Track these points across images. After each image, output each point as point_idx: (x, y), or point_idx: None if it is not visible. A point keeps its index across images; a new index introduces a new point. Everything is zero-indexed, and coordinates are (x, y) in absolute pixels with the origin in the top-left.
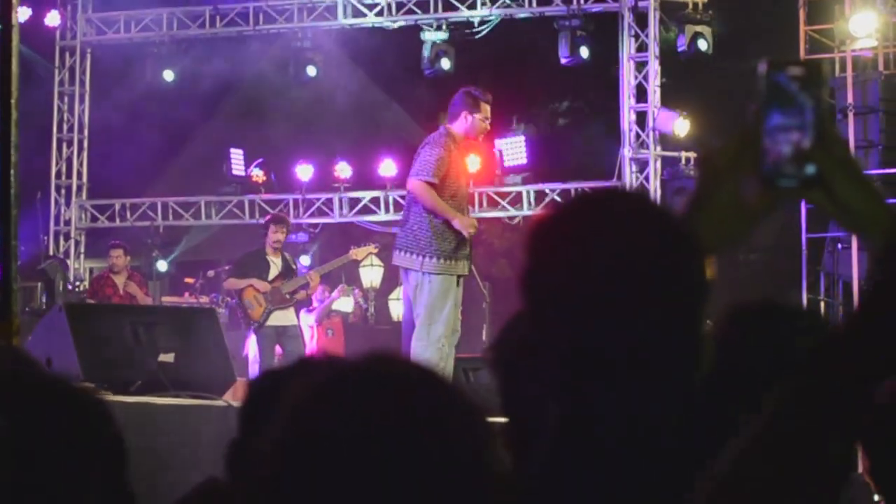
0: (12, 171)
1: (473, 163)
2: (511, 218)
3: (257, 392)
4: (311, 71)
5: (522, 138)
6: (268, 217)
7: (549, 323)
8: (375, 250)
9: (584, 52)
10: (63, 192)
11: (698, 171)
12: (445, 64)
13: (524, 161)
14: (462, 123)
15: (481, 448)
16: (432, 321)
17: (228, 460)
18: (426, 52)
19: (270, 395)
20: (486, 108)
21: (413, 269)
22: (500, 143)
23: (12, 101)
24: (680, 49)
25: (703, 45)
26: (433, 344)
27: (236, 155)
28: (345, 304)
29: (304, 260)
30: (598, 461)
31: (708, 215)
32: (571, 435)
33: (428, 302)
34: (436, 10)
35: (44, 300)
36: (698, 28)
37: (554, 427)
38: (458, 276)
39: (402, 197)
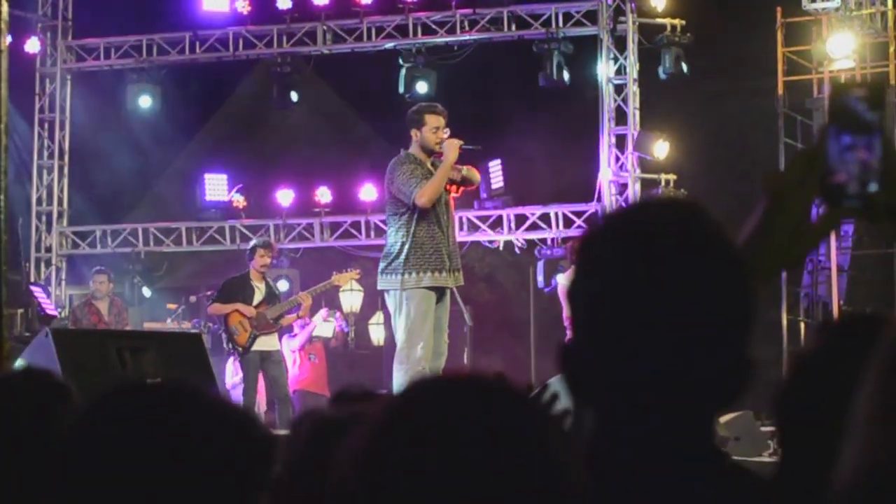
0: (1, 197)
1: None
2: (491, 242)
3: (304, 431)
4: (294, 96)
5: (499, 161)
6: (253, 242)
7: (586, 334)
8: (358, 276)
9: (564, 75)
10: (44, 218)
11: (763, 192)
12: (424, 88)
13: (501, 184)
14: (415, 143)
15: (564, 462)
16: (412, 344)
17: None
18: (405, 77)
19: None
20: (434, 118)
21: (393, 288)
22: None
23: (1, 126)
24: (661, 71)
25: (681, 66)
26: (413, 367)
27: (212, 180)
28: (325, 329)
29: (282, 285)
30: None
31: (772, 236)
32: (599, 447)
33: (407, 324)
34: (415, 35)
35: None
36: (677, 50)
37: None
38: (444, 290)
39: (383, 221)
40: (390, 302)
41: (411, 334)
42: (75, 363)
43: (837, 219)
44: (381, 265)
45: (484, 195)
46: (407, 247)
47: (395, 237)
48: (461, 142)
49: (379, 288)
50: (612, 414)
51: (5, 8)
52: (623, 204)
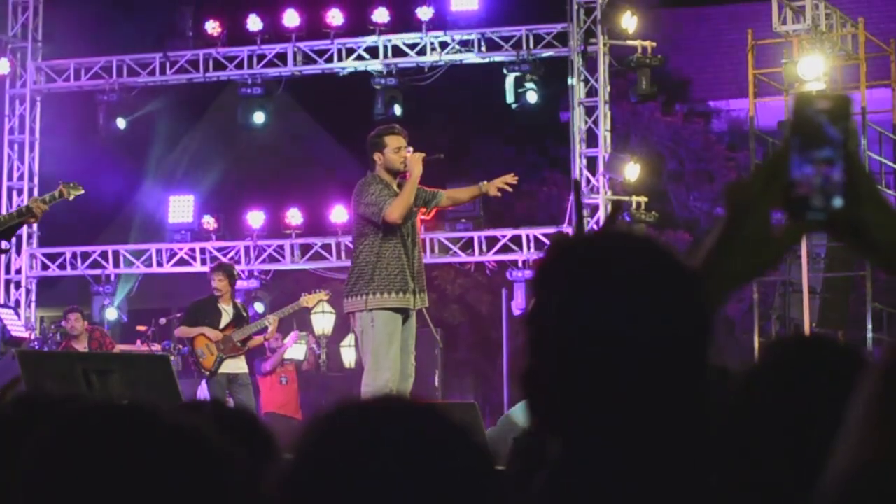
0: None
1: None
2: (462, 264)
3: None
4: (261, 117)
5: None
6: (212, 266)
7: (543, 359)
8: (326, 297)
9: (533, 96)
10: (13, 240)
11: (725, 204)
12: (397, 110)
13: (472, 207)
14: (379, 166)
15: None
16: (379, 366)
17: None
18: (379, 98)
19: None
20: (394, 139)
21: (359, 309)
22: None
23: None
24: (632, 92)
25: (651, 88)
26: (380, 389)
27: (178, 202)
28: (297, 351)
29: (259, 307)
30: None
31: (734, 247)
32: (562, 474)
33: (372, 347)
34: (385, 56)
35: None
36: (646, 71)
37: (550, 463)
38: (409, 311)
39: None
40: (356, 324)
41: (377, 356)
42: (41, 384)
43: (800, 232)
44: (347, 287)
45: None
46: (373, 267)
47: (361, 258)
48: (423, 154)
49: (346, 311)
50: (575, 436)
51: None
52: (594, 226)
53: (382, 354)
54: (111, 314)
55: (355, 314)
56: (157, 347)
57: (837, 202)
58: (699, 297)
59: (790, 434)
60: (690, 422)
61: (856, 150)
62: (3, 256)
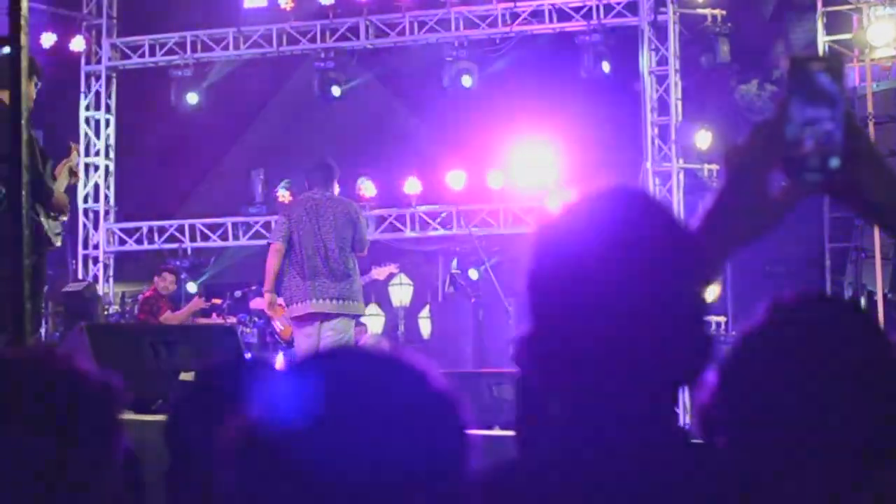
0: (23, 192)
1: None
2: None
3: None
4: (336, 91)
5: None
6: None
7: (545, 322)
8: (396, 269)
9: (605, 66)
10: (91, 216)
11: (724, 167)
12: (468, 82)
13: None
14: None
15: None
16: None
17: None
18: (448, 71)
19: None
20: None
21: (353, 313)
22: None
23: (22, 121)
24: (704, 61)
25: (722, 56)
26: None
27: (257, 176)
28: (376, 323)
29: None
30: (585, 465)
31: (733, 211)
32: (562, 435)
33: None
34: (457, 29)
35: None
36: (718, 39)
37: (549, 426)
38: None
39: (428, 214)
40: (342, 326)
41: None
42: (109, 358)
43: (799, 193)
44: (347, 291)
45: None
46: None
47: (354, 267)
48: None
49: (351, 313)
50: (577, 401)
51: (25, 4)
52: (667, 194)
53: None
54: (192, 287)
55: (348, 316)
56: (232, 320)
57: (835, 162)
58: (700, 258)
59: (797, 392)
60: (691, 380)
61: (850, 111)
62: (79, 232)
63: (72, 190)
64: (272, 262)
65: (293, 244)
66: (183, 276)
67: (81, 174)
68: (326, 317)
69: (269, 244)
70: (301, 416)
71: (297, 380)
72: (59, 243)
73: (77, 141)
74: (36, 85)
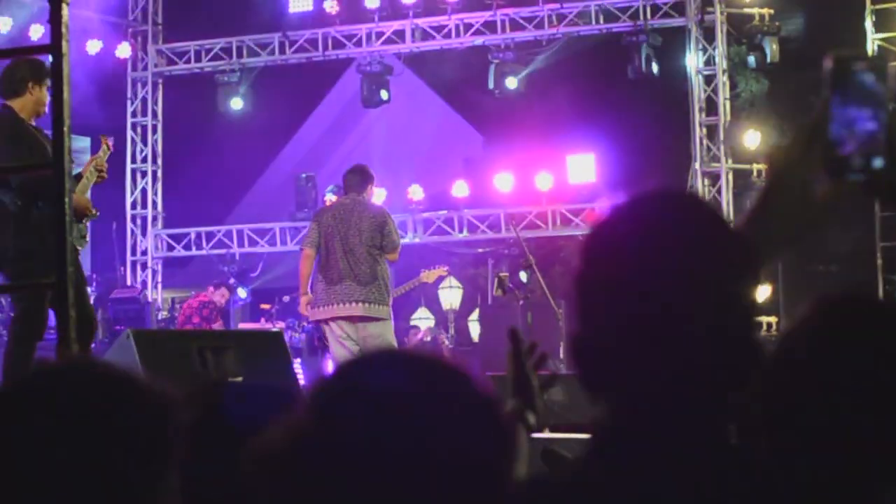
0: (66, 199)
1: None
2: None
3: None
4: (384, 95)
5: (592, 156)
6: None
7: (593, 324)
8: (445, 272)
9: (653, 67)
10: (139, 221)
11: (767, 168)
12: (513, 83)
13: (593, 178)
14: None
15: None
16: None
17: None
18: (494, 73)
19: None
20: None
21: (383, 317)
22: (570, 160)
23: (65, 128)
24: (752, 60)
25: (771, 56)
26: None
27: (305, 181)
28: (426, 322)
29: None
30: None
31: (777, 211)
32: (607, 440)
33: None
34: (503, 31)
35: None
36: (766, 39)
37: (595, 430)
38: None
39: (476, 217)
40: (378, 330)
41: None
42: (157, 364)
43: (841, 193)
44: (374, 295)
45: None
46: (387, 281)
47: (382, 270)
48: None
49: (369, 315)
50: (629, 403)
51: (66, 11)
52: (717, 195)
53: None
54: (241, 293)
55: (377, 321)
56: (280, 325)
57: (878, 163)
58: (748, 260)
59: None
60: (736, 386)
61: (894, 111)
62: (127, 238)
63: (119, 196)
64: (304, 268)
65: (322, 249)
66: (231, 281)
67: (129, 180)
68: (360, 319)
69: (300, 250)
70: (344, 421)
71: (338, 386)
72: (81, 247)
73: (124, 148)
74: (48, 89)
